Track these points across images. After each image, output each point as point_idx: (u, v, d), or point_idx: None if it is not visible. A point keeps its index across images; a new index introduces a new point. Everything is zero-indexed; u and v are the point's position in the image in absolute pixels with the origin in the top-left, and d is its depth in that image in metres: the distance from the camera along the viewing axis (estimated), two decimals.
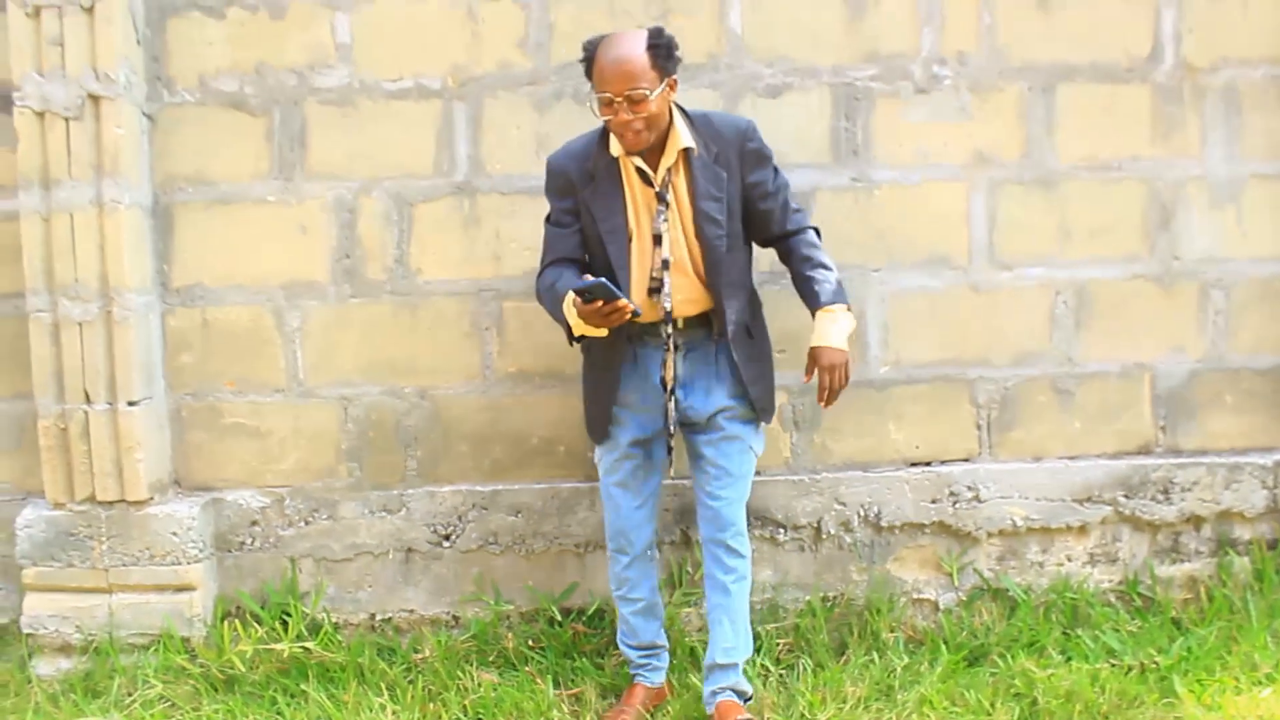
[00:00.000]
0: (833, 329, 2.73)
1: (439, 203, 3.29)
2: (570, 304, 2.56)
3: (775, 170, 2.79)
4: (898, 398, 3.37)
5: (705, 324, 2.77)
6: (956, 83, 3.32)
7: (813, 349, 2.73)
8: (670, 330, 2.73)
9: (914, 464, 3.39)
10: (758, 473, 2.94)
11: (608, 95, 2.54)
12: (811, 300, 2.78)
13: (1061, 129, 3.35)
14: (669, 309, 2.70)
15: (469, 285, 3.30)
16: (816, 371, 2.72)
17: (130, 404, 3.14)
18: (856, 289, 3.31)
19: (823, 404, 2.73)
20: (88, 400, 3.14)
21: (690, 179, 2.67)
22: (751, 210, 2.76)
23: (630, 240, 2.69)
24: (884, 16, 3.29)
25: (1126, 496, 3.39)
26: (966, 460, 3.40)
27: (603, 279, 2.49)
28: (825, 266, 2.80)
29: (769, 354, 2.92)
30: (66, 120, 3.08)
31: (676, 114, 2.67)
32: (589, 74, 2.61)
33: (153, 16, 3.24)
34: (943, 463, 3.39)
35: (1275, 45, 3.38)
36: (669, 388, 2.76)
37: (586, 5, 3.26)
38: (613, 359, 2.78)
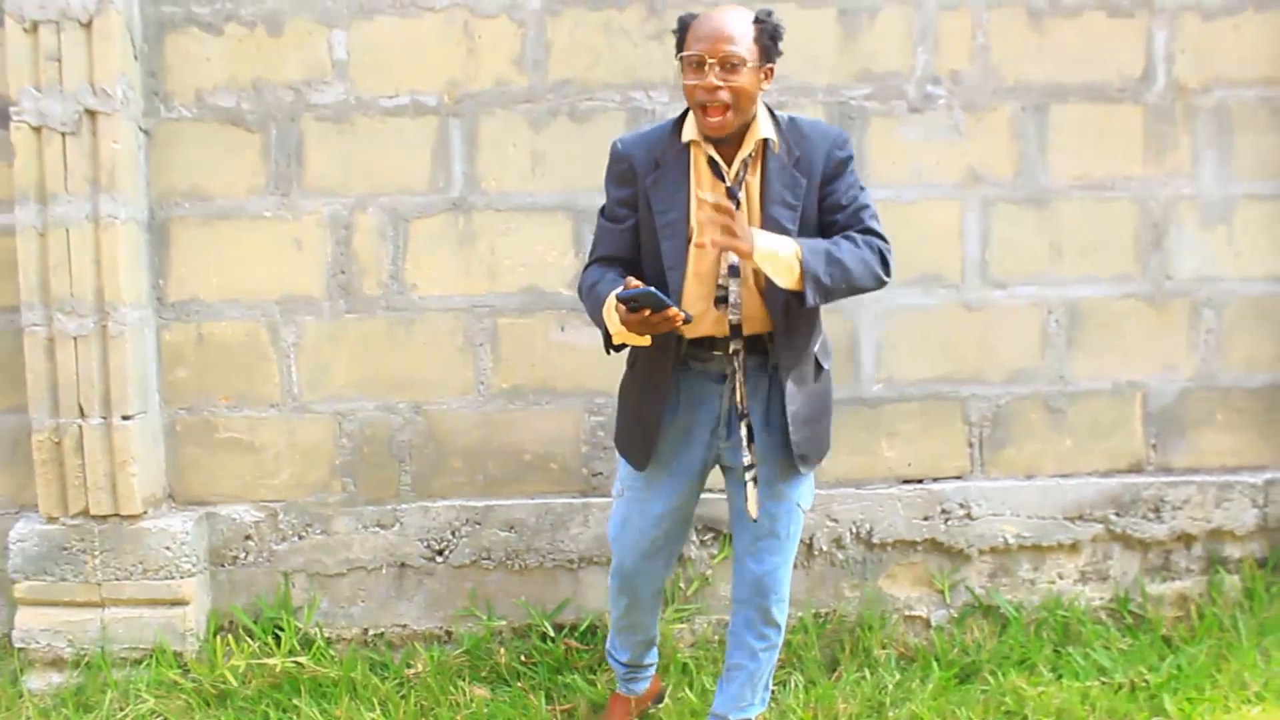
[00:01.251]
0: (770, 234, 2.31)
1: (434, 219, 3.30)
2: (611, 309, 2.31)
3: (860, 187, 2.45)
4: (890, 415, 3.38)
5: (763, 350, 2.46)
6: (950, 102, 3.34)
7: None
8: (737, 349, 2.42)
9: (906, 481, 3.40)
10: None
11: (699, 55, 2.27)
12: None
13: (1054, 148, 3.37)
14: (736, 322, 2.39)
15: (463, 301, 3.31)
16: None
17: (125, 418, 3.15)
18: (850, 307, 3.32)
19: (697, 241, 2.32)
20: (82, 414, 3.14)
21: (765, 179, 2.38)
22: (821, 222, 2.42)
23: (689, 239, 2.38)
24: (878, 36, 3.31)
25: (1118, 514, 3.40)
26: (958, 478, 3.41)
27: (651, 288, 2.22)
28: (832, 239, 2.36)
29: (828, 397, 2.57)
30: (63, 135, 3.09)
31: (763, 109, 2.40)
32: (680, 45, 2.35)
33: (150, 32, 3.25)
34: (935, 480, 3.40)
35: (1267, 67, 3.41)
36: (742, 413, 2.44)
37: (583, 23, 3.27)
38: (662, 376, 2.47)
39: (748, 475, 2.46)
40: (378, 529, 3.33)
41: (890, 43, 3.31)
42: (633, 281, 2.26)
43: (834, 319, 3.32)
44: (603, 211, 2.52)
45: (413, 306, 3.31)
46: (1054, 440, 3.42)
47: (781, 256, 2.27)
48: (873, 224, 2.43)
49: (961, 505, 3.37)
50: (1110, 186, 3.39)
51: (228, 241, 3.29)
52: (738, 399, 2.44)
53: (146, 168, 3.27)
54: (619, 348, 2.42)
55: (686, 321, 2.27)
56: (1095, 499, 3.40)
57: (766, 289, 2.38)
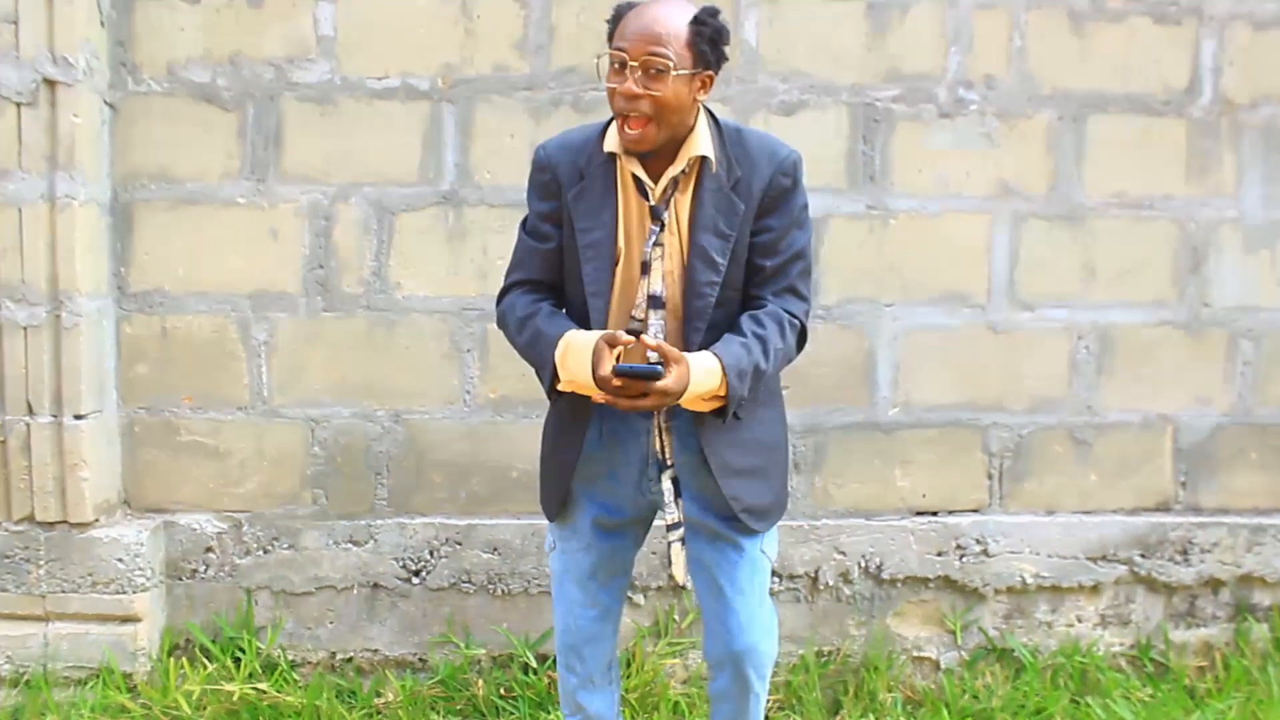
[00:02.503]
0: (706, 362, 2.01)
1: (423, 213, 3.05)
2: (571, 356, 2.02)
3: (800, 226, 2.14)
4: (905, 442, 3.15)
5: None
6: (983, 108, 3.11)
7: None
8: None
9: (920, 513, 3.18)
10: None
11: (621, 53, 1.97)
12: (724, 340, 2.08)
13: (1091, 162, 3.15)
14: (655, 360, 2.01)
15: (451, 303, 3.06)
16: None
17: (77, 417, 2.89)
18: (866, 324, 3.10)
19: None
20: (30, 412, 2.88)
21: (697, 200, 2.08)
22: (749, 262, 2.11)
23: (616, 263, 2.10)
24: (909, 34, 3.08)
25: (1143, 556, 3.19)
26: (975, 511, 3.19)
27: (659, 365, 1.94)
28: (759, 335, 2.06)
29: (780, 440, 2.26)
30: (18, 106, 2.82)
31: (704, 119, 2.10)
32: (610, 36, 2.05)
33: None
34: (950, 513, 3.18)
35: None
36: (665, 463, 2.15)
37: (591, 6, 3.02)
38: (577, 417, 2.17)
39: (671, 536, 2.17)
40: (350, 545, 3.08)
41: (921, 42, 3.08)
42: (622, 336, 1.97)
43: (848, 337, 3.12)
44: (524, 226, 2.22)
45: (396, 307, 3.06)
46: (1078, 474, 3.21)
47: (705, 389, 2.00)
48: (799, 284, 2.14)
49: (978, 541, 3.15)
50: (1149, 205, 3.17)
51: (197, 229, 3.04)
52: (658, 447, 2.14)
53: (110, 145, 3.01)
54: (561, 393, 2.12)
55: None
56: (1120, 539, 3.19)
57: (685, 331, 2.09)
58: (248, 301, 3.06)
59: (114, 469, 3.05)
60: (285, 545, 3.08)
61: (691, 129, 2.06)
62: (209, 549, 3.07)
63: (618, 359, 1.98)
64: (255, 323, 3.06)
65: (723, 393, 2.01)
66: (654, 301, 2.09)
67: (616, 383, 1.93)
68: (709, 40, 2.00)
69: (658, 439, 2.14)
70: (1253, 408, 3.26)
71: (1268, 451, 3.27)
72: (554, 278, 2.17)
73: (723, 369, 2.00)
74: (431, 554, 3.08)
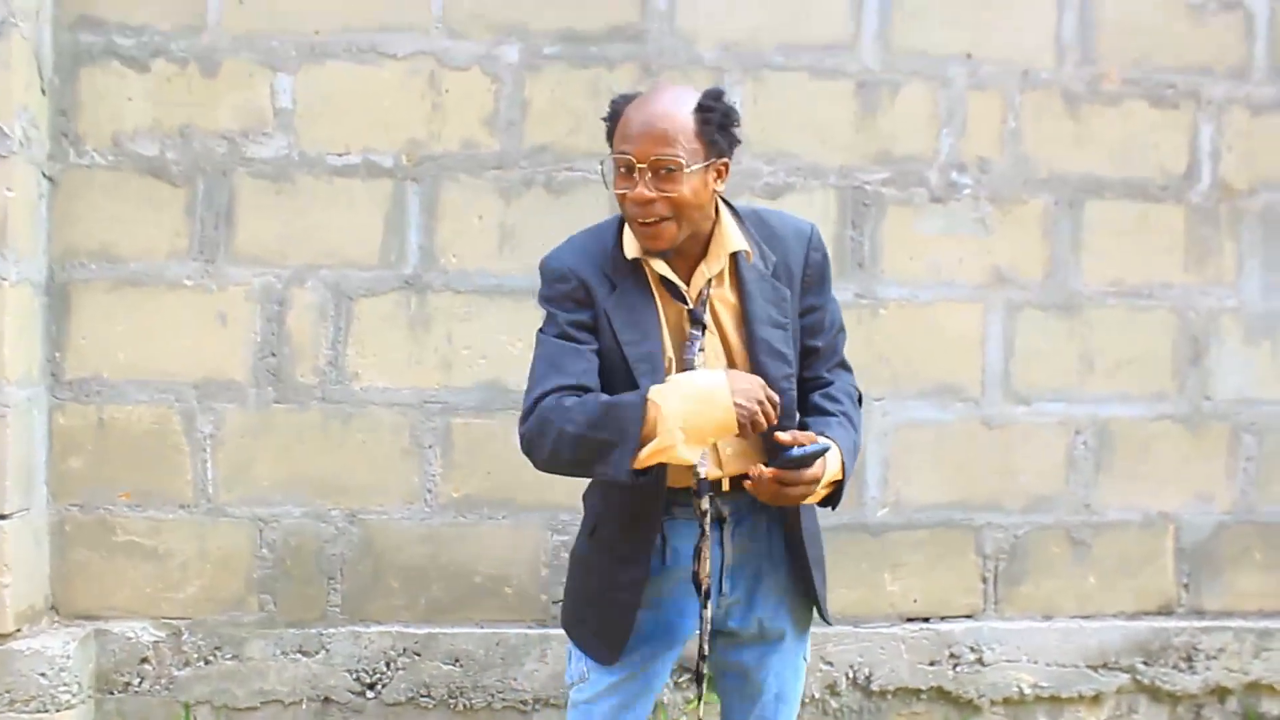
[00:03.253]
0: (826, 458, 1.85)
1: (384, 298, 2.87)
2: (709, 412, 1.78)
3: (833, 296, 2.05)
4: (896, 544, 2.98)
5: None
6: (976, 192, 2.99)
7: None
8: (710, 502, 1.92)
9: (911, 619, 3.01)
10: None
11: (627, 158, 1.81)
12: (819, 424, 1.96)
13: (1087, 249, 3.04)
14: (702, 475, 1.88)
15: (412, 395, 2.87)
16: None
17: (1, 516, 2.66)
18: None
19: (758, 475, 1.79)
20: None
21: (742, 296, 1.92)
22: (801, 344, 2.00)
23: (668, 370, 1.90)
24: (899, 115, 2.96)
25: (1145, 663, 3.03)
26: (970, 617, 3.02)
27: (827, 442, 1.80)
28: (844, 412, 2.00)
29: (820, 528, 2.12)
30: None
31: (725, 210, 1.95)
32: (610, 136, 1.90)
33: (64, 63, 2.81)
34: (943, 619, 3.02)
35: None
36: (704, 587, 1.93)
37: (566, 82, 2.88)
38: (639, 539, 1.93)
39: (703, 667, 1.99)
40: (299, 656, 2.86)
41: (912, 123, 2.97)
42: (801, 436, 1.79)
43: None
44: (549, 332, 1.94)
45: (353, 398, 2.86)
46: (1076, 577, 3.05)
47: (830, 476, 1.85)
48: (844, 355, 2.08)
49: (972, 649, 2.98)
50: (1147, 294, 3.06)
51: (140, 312, 2.85)
52: (698, 566, 1.92)
53: (48, 220, 2.82)
54: (642, 473, 1.82)
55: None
56: (1121, 645, 3.03)
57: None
58: (193, 391, 2.85)
59: (41, 572, 2.82)
60: (228, 655, 2.86)
61: (716, 222, 1.91)
62: (144, 660, 2.84)
63: (794, 462, 1.77)
64: (200, 414, 2.85)
65: (840, 476, 1.89)
66: None
67: (769, 474, 1.77)
68: (718, 126, 1.84)
69: (703, 559, 1.92)
70: (1256, 505, 3.12)
71: (1272, 551, 3.14)
72: (596, 384, 1.89)
73: (840, 453, 1.88)
74: (388, 665, 2.86)
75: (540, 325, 1.93)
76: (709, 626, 1.95)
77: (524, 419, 1.87)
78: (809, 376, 2.01)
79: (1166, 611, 3.10)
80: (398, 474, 2.88)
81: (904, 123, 2.96)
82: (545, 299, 1.94)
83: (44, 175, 2.80)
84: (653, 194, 1.79)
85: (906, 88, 2.96)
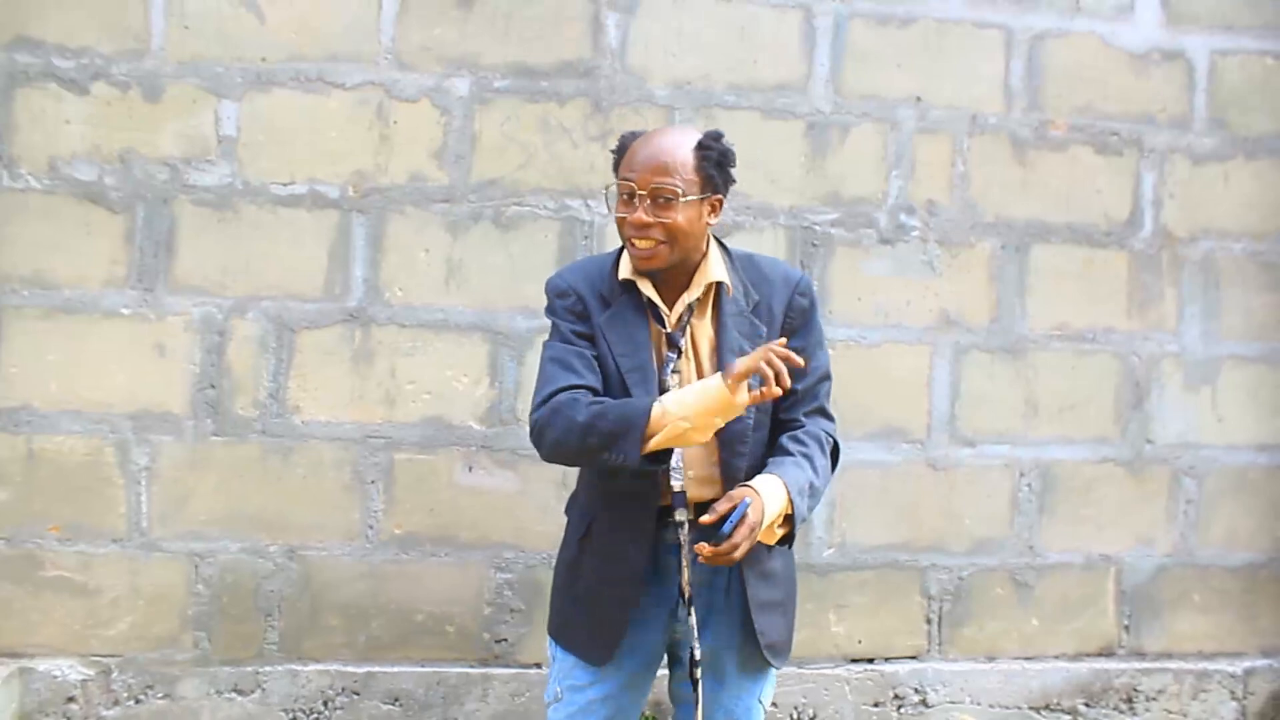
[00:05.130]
0: (771, 485, 1.94)
1: (327, 331, 2.81)
2: (708, 402, 1.88)
3: (821, 345, 2.13)
4: (841, 585, 2.97)
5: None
6: (924, 234, 2.99)
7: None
8: (685, 518, 2.02)
9: (855, 660, 2.99)
10: None
11: (629, 184, 1.98)
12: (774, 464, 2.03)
13: (1033, 293, 3.05)
14: (679, 489, 2.00)
15: (354, 430, 2.81)
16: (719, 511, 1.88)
17: None
18: None
19: (702, 556, 1.86)
20: None
21: (718, 326, 2.05)
22: None
23: (660, 388, 2.02)
24: (849, 157, 2.96)
25: (1087, 704, 3.05)
26: (914, 658, 3.01)
27: (747, 496, 1.86)
28: (805, 454, 2.03)
29: (794, 573, 2.18)
30: None
31: (714, 246, 2.09)
32: (616, 167, 2.06)
33: None
34: (887, 660, 3.01)
35: (1254, 219, 3.17)
36: (687, 595, 2.02)
37: (516, 116, 2.85)
38: (635, 537, 2.03)
39: (698, 672, 2.03)
40: (234, 695, 2.78)
41: (862, 165, 2.96)
42: (722, 508, 1.85)
43: None
44: (555, 339, 2.09)
45: (293, 432, 2.80)
46: (1019, 618, 3.06)
47: (776, 513, 1.92)
48: (826, 403, 2.12)
49: (916, 690, 2.97)
50: (1091, 338, 3.08)
51: (74, 340, 2.76)
52: (683, 580, 2.02)
53: None
54: (654, 459, 1.95)
55: None
56: (1063, 686, 3.04)
57: (722, 455, 2.01)
58: (128, 422, 2.77)
59: None
60: (160, 694, 2.77)
61: (704, 255, 2.06)
62: (71, 699, 2.74)
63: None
64: (135, 446, 2.77)
65: (789, 511, 1.95)
66: None
67: (709, 552, 1.84)
68: (716, 164, 2.01)
69: (683, 571, 2.02)
70: (1195, 548, 3.15)
71: (1210, 593, 3.16)
72: (600, 387, 2.02)
73: (786, 488, 1.94)
74: (325, 704, 2.80)
75: (547, 337, 2.09)
76: (695, 632, 2.01)
77: (535, 409, 2.01)
78: (785, 419, 2.08)
79: (1108, 653, 3.11)
80: (339, 510, 2.81)
81: (854, 164, 2.96)
82: (550, 312, 2.11)
83: None
84: (650, 219, 1.96)
85: (856, 129, 2.96)
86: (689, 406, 1.90)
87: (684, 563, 2.01)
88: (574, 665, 2.09)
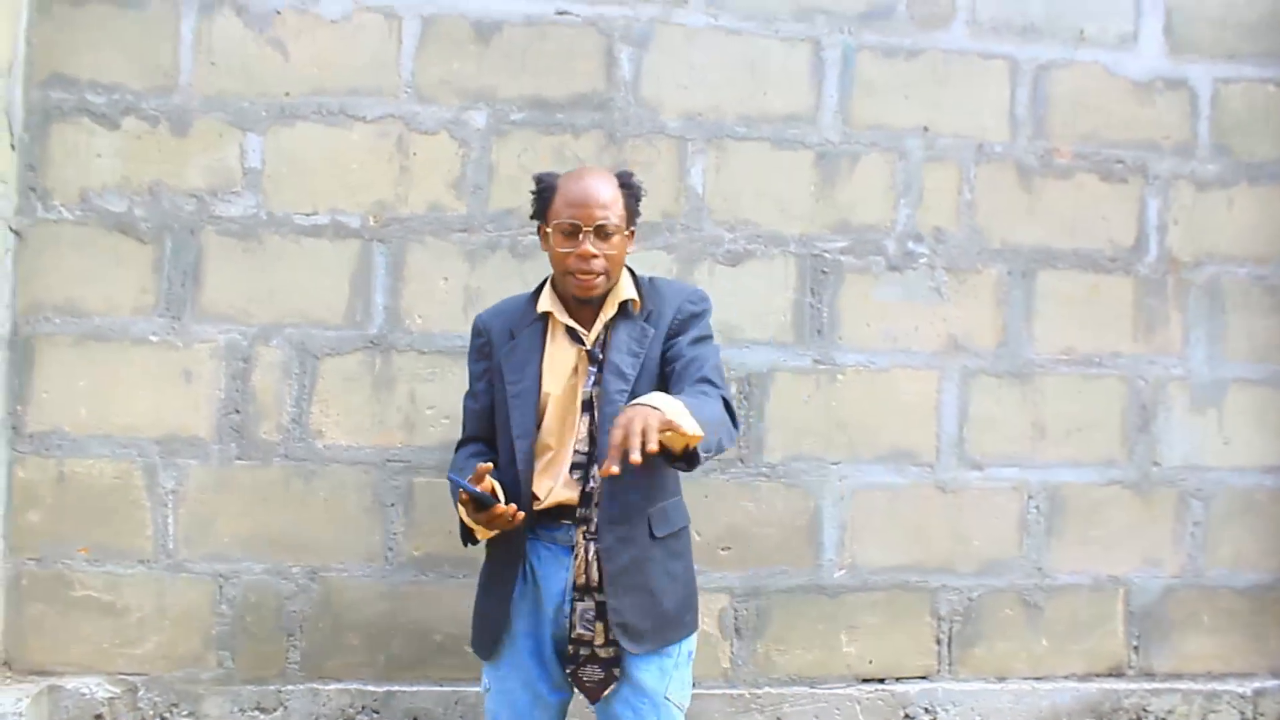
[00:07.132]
0: (659, 397, 1.99)
1: (348, 358, 2.88)
2: (461, 504, 2.15)
3: (707, 342, 2.27)
4: (852, 606, 3.01)
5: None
6: (932, 261, 3.05)
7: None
8: (586, 516, 2.20)
9: (866, 680, 3.02)
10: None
11: (574, 222, 2.18)
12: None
13: (1040, 318, 3.10)
14: (589, 490, 2.19)
15: (375, 454, 2.88)
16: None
17: None
18: (812, 483, 2.98)
19: (601, 469, 1.96)
20: None
21: (615, 332, 2.26)
22: (661, 371, 2.23)
23: (542, 410, 2.24)
24: (858, 185, 3.02)
25: None
26: (924, 678, 3.05)
27: (483, 491, 2.07)
28: (693, 394, 2.10)
29: (681, 564, 2.30)
30: None
31: (624, 270, 2.32)
32: (543, 209, 2.26)
33: (34, 119, 2.82)
34: (898, 680, 3.04)
35: (1258, 244, 3.20)
36: (588, 588, 2.20)
37: (533, 147, 2.92)
38: (514, 550, 2.25)
39: (600, 651, 2.21)
40: (257, 713, 2.84)
41: (871, 193, 3.02)
42: (482, 470, 2.09)
43: (793, 496, 2.99)
44: (468, 391, 2.41)
45: (316, 456, 2.87)
46: (1029, 639, 3.09)
47: (677, 410, 1.96)
48: (713, 376, 2.22)
49: (927, 710, 3.01)
50: (1098, 362, 3.12)
51: (104, 367, 2.83)
52: (576, 575, 2.22)
53: (14, 274, 2.81)
54: (476, 540, 2.28)
55: (514, 518, 2.12)
56: (1073, 706, 3.07)
57: (595, 434, 2.21)
58: (155, 446, 2.84)
59: None
60: (185, 712, 2.83)
61: (619, 279, 2.30)
62: (98, 716, 2.80)
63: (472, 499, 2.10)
64: (163, 469, 2.84)
65: (688, 417, 1.96)
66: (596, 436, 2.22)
67: (468, 507, 2.13)
68: (634, 200, 2.28)
69: (577, 567, 2.21)
70: (1203, 569, 3.18)
71: (1218, 614, 3.18)
72: (488, 433, 2.35)
73: (677, 402, 1.98)
74: None
75: None
76: (578, 619, 2.20)
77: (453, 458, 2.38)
78: (675, 392, 2.17)
79: (1117, 673, 3.14)
80: (359, 532, 2.88)
81: (862, 193, 3.02)
82: (468, 352, 2.40)
83: (10, 229, 2.79)
84: (594, 251, 2.19)
85: (865, 159, 3.02)
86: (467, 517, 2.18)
87: (579, 560, 2.20)
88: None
